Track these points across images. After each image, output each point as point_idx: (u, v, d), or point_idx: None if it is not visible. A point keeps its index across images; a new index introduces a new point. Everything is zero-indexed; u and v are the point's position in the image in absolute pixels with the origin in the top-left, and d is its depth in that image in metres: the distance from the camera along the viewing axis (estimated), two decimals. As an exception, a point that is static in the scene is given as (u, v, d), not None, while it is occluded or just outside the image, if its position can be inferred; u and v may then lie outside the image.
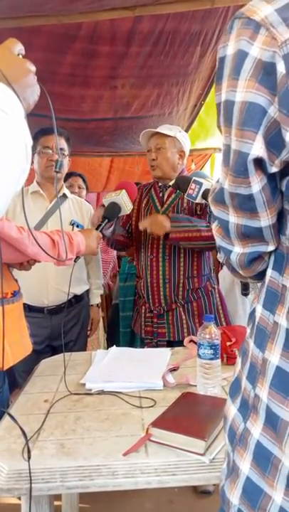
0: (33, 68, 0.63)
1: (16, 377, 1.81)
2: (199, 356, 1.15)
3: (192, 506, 1.82)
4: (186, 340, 1.54)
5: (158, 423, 0.95)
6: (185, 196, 1.74)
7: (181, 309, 1.85)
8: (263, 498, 0.49)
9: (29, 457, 0.87)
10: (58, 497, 1.51)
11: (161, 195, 1.91)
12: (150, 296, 1.88)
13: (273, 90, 0.45)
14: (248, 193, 0.51)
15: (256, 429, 0.52)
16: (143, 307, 1.93)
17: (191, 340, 1.50)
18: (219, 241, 0.60)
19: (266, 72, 0.45)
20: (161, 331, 1.86)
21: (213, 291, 1.93)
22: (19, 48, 0.63)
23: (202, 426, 0.91)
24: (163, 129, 1.86)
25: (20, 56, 0.63)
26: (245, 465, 0.52)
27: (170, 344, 1.79)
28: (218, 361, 1.14)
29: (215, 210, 0.58)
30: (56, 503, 1.20)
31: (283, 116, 0.45)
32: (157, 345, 1.83)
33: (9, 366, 1.10)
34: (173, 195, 1.88)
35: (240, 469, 0.53)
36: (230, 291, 2.56)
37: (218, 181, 0.58)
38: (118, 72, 2.77)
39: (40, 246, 0.90)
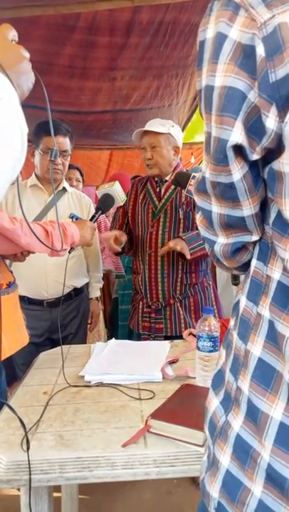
0: (27, 55, 0.61)
1: (16, 370, 1.81)
2: (198, 349, 1.15)
3: (191, 497, 1.83)
4: (185, 333, 1.54)
5: (157, 414, 0.95)
6: (185, 192, 1.73)
7: (178, 304, 1.85)
8: (242, 491, 0.49)
9: (28, 448, 0.87)
10: (58, 489, 1.52)
11: (158, 189, 1.90)
12: (148, 291, 1.87)
13: (253, 74, 0.43)
14: (229, 182, 0.49)
15: (237, 422, 0.51)
16: (140, 303, 1.92)
17: (191, 333, 1.50)
18: (203, 232, 0.59)
19: (246, 56, 0.43)
20: (159, 327, 1.86)
21: (209, 287, 1.94)
22: (13, 33, 0.61)
23: (201, 417, 0.90)
24: (155, 125, 1.83)
25: (14, 42, 0.62)
26: (225, 458, 0.52)
27: (167, 339, 1.79)
28: (218, 353, 1.14)
29: (198, 200, 0.56)
30: (56, 494, 1.21)
31: (263, 101, 0.43)
32: (154, 341, 1.83)
33: (5, 357, 1.10)
34: (170, 190, 1.86)
35: (220, 462, 0.52)
36: (227, 285, 2.57)
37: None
38: (117, 64, 2.75)
39: (35, 235, 0.89)
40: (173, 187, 1.85)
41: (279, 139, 0.44)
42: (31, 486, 0.85)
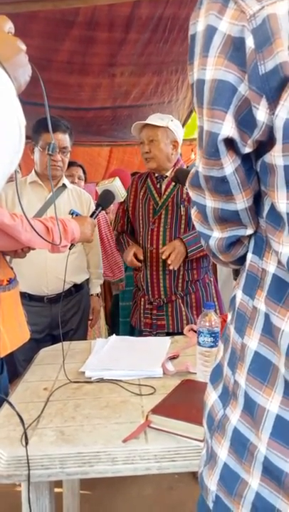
0: (24, 47, 0.60)
1: (17, 366, 1.81)
2: (199, 344, 1.15)
3: (192, 492, 1.84)
4: (185, 329, 1.54)
5: (158, 410, 0.95)
6: (185, 189, 1.73)
7: (180, 301, 1.85)
8: (239, 484, 0.49)
9: (26, 443, 0.87)
10: (59, 484, 1.53)
11: (158, 186, 1.89)
12: (150, 288, 1.87)
13: (243, 67, 0.43)
14: (221, 175, 0.49)
15: (234, 416, 0.51)
16: (142, 299, 1.92)
17: (191, 329, 1.50)
18: (198, 226, 0.59)
19: (235, 48, 0.43)
20: (161, 323, 1.86)
21: (210, 284, 1.94)
22: (9, 25, 0.61)
23: (201, 412, 0.90)
24: (154, 119, 1.83)
25: (10, 34, 0.61)
26: (223, 451, 0.52)
27: (169, 335, 1.80)
28: (218, 349, 1.14)
29: (192, 194, 0.56)
30: (57, 489, 1.21)
31: (253, 94, 0.42)
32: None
33: (6, 353, 1.10)
34: (171, 186, 1.86)
35: (217, 456, 0.53)
36: (227, 281, 2.57)
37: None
38: (117, 60, 2.73)
39: (35, 231, 0.89)
40: (174, 183, 1.85)
41: (270, 131, 0.44)
42: (32, 482, 0.85)
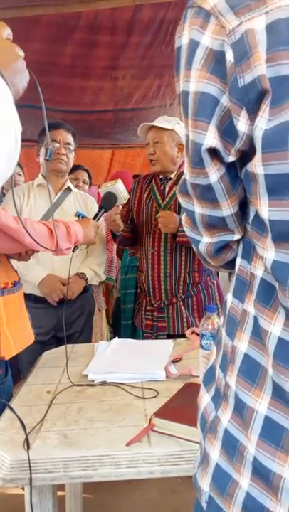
0: (22, 53, 0.61)
1: (20, 369, 1.81)
2: (202, 347, 1.15)
3: (194, 496, 1.83)
4: (188, 332, 1.54)
5: (161, 413, 0.95)
6: None
7: (181, 303, 1.85)
8: (230, 484, 0.50)
9: (28, 447, 0.87)
10: (62, 487, 1.53)
11: (162, 188, 1.90)
12: (151, 290, 1.87)
13: (224, 79, 0.45)
14: (207, 184, 0.51)
15: (225, 417, 0.52)
16: (144, 301, 1.93)
17: (194, 332, 1.50)
18: (188, 232, 0.61)
19: (217, 61, 0.45)
20: (161, 325, 1.86)
21: (213, 286, 1.93)
22: (7, 32, 0.61)
23: (205, 416, 0.91)
24: (161, 121, 1.84)
25: (9, 41, 0.61)
26: (215, 452, 0.53)
27: (170, 338, 1.80)
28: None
29: (182, 201, 0.58)
30: (60, 493, 1.21)
31: (234, 105, 0.44)
32: (157, 339, 1.83)
33: (11, 356, 1.10)
34: (174, 188, 1.87)
35: (210, 457, 0.54)
36: (228, 283, 2.57)
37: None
38: (119, 63, 2.75)
39: (30, 236, 0.89)
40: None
41: (251, 141, 0.45)
42: (35, 485, 0.85)
